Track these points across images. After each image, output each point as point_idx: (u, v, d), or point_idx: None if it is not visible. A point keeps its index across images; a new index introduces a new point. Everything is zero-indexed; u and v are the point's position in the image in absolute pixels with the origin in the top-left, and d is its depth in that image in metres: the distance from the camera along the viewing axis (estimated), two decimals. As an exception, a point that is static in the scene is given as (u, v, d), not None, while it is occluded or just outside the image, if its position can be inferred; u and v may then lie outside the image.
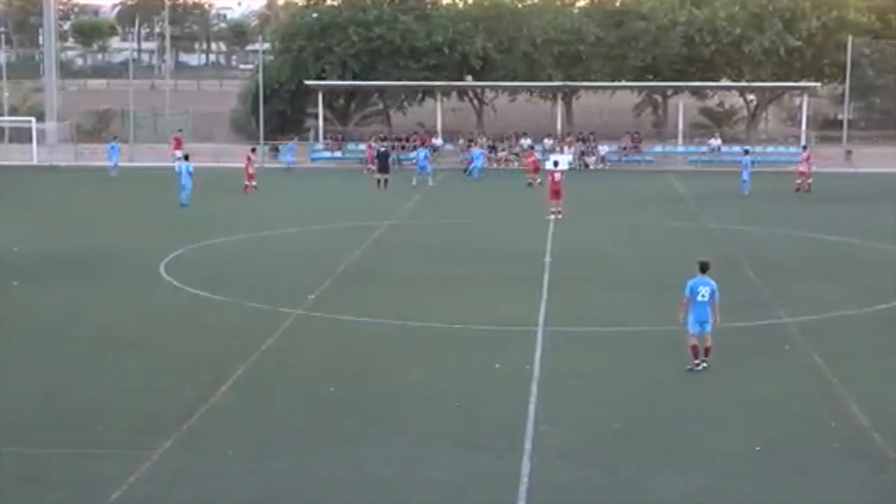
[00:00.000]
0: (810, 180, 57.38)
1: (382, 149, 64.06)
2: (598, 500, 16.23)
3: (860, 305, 29.06)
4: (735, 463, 17.49)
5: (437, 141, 76.18)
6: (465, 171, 65.65)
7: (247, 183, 54.96)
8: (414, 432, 18.95)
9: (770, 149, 76.42)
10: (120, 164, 65.16)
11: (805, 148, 61.89)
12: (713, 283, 22.76)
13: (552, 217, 45.84)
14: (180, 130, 70.98)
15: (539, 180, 57.70)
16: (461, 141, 77.37)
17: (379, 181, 57.73)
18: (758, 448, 18.07)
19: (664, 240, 41.51)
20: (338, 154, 75.93)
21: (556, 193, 47.06)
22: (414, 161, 63.48)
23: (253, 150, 59.42)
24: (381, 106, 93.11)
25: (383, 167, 58.80)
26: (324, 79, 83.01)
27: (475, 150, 68.94)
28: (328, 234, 42.40)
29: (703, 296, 22.54)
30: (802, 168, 58.37)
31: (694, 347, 22.67)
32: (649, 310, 28.91)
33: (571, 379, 22.20)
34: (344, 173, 67.89)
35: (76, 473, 16.97)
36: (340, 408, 20.29)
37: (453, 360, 23.76)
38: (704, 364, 22.50)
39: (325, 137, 78.19)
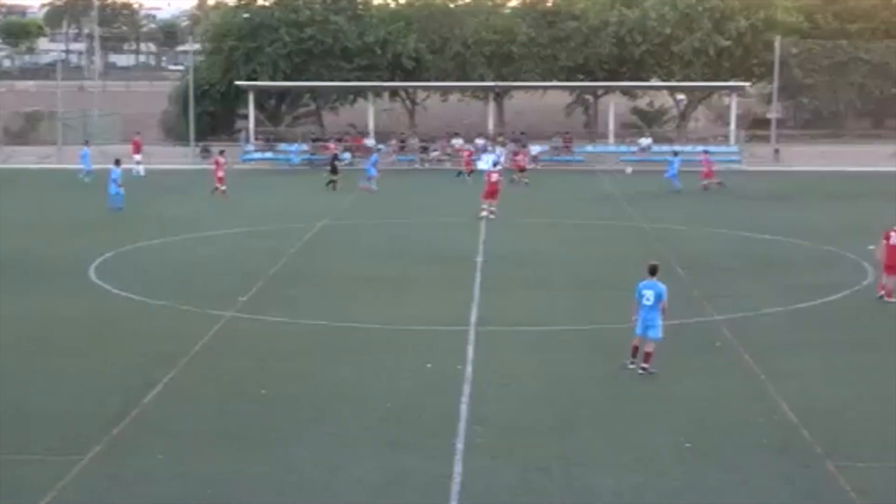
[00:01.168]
0: (718, 180, 57.61)
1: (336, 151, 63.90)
2: (531, 499, 16.28)
3: (789, 302, 29.37)
4: (665, 459, 17.62)
5: (370, 141, 76.06)
6: (458, 173, 64.71)
7: (217, 186, 54.22)
8: (346, 433, 18.91)
9: (700, 148, 76.96)
10: (47, 165, 64.31)
11: (706, 152, 62.18)
12: (661, 286, 22.74)
13: (484, 216, 45.97)
14: (138, 133, 69.84)
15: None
16: (393, 141, 77.29)
17: (330, 182, 57.43)
18: (688, 444, 18.22)
19: (595, 239, 41.72)
20: (269, 155, 75.53)
21: (492, 193, 47.18)
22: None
23: (222, 153, 58.94)
24: (312, 106, 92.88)
25: (333, 169, 58.59)
26: (255, 79, 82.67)
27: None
28: (260, 235, 42.19)
29: (647, 299, 22.56)
30: (706, 170, 58.63)
31: (634, 348, 22.74)
32: (581, 309, 29.08)
33: (503, 379, 22.25)
34: (277, 174, 67.60)
35: (4, 479, 16.76)
36: (272, 409, 20.22)
37: (385, 360, 23.73)
38: (641, 370, 22.39)
39: (256, 138, 77.79)
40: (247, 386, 21.65)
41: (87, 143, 66.46)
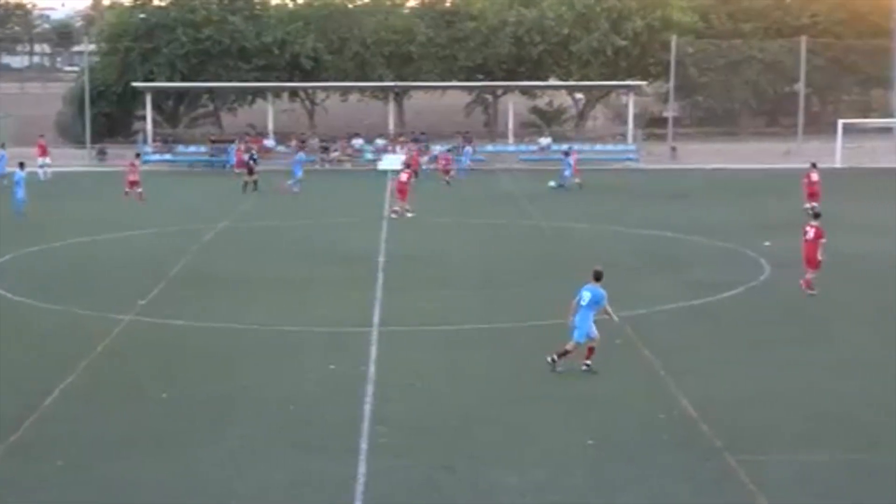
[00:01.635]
0: (577, 179, 57.83)
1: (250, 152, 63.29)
2: (435, 499, 16.30)
3: (687, 299, 29.73)
4: (568, 456, 17.75)
5: (269, 142, 75.64)
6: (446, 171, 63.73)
7: (127, 190, 53.28)
8: (249, 435, 18.79)
9: (598, 146, 77.73)
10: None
11: (568, 152, 62.12)
12: (598, 290, 22.74)
13: (394, 216, 46.11)
14: (42, 136, 68.37)
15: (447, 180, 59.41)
16: (293, 142, 76.91)
17: (246, 184, 56.97)
18: (590, 441, 18.37)
19: (496, 238, 41.89)
20: (168, 157, 74.75)
21: (402, 193, 47.21)
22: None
23: (137, 156, 57.94)
24: (211, 107, 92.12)
25: (250, 170, 58.05)
26: (152, 80, 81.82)
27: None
28: (161, 237, 41.77)
29: (583, 300, 22.61)
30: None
31: (566, 351, 22.68)
32: (483, 308, 29.17)
33: (407, 378, 22.26)
34: (176, 175, 66.94)
35: None
36: (174, 413, 20.03)
37: (288, 362, 23.63)
38: (558, 367, 22.47)
39: (154, 140, 76.97)
40: (147, 390, 21.42)
41: (3, 145, 64.66)
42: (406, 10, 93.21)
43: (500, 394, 21.35)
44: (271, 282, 32.67)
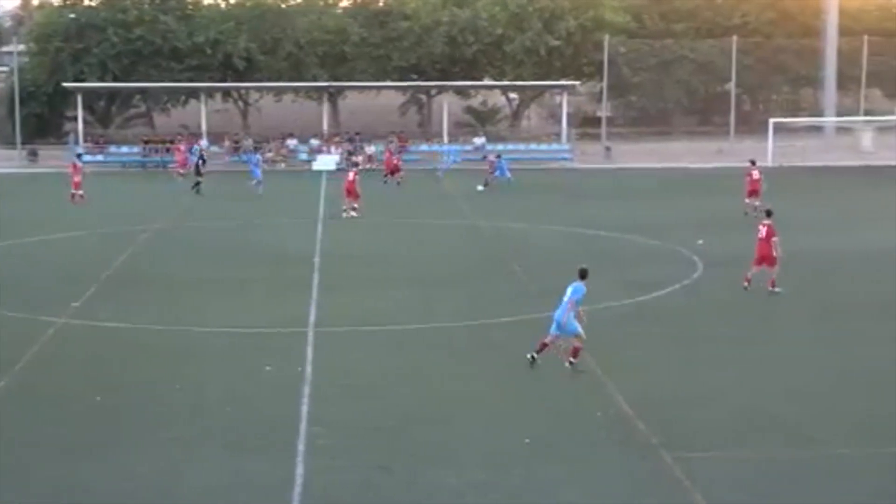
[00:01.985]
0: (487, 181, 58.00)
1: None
2: (373, 499, 16.28)
3: (623, 297, 29.87)
4: (506, 456, 17.78)
5: (203, 143, 75.18)
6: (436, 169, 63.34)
7: (73, 192, 52.64)
8: (185, 438, 18.66)
9: (533, 146, 78.00)
10: None
11: (499, 155, 62.02)
12: (579, 286, 22.73)
13: (346, 215, 46.40)
14: None
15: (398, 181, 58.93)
16: (227, 143, 76.53)
17: (198, 184, 56.57)
18: (528, 440, 18.41)
19: (433, 238, 41.93)
20: (99, 157, 74.03)
21: (351, 192, 47.23)
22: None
23: (79, 157, 57.21)
24: (143, 108, 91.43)
25: (198, 170, 57.68)
26: (83, 81, 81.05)
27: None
28: (94, 238, 41.38)
29: (565, 295, 22.68)
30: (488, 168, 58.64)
31: (544, 344, 22.85)
32: (420, 308, 29.16)
33: (344, 379, 22.22)
34: (109, 176, 66.30)
35: None
36: (109, 416, 19.84)
37: (224, 364, 23.49)
38: (568, 364, 22.63)
39: (85, 140, 76.22)
40: (81, 393, 21.20)
41: None
42: (339, 10, 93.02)
43: (437, 393, 21.36)
44: (206, 283, 32.47)
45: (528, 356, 22.80)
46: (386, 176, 60.59)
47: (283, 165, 73.04)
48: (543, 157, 74.05)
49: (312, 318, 27.61)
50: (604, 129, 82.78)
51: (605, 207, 50.17)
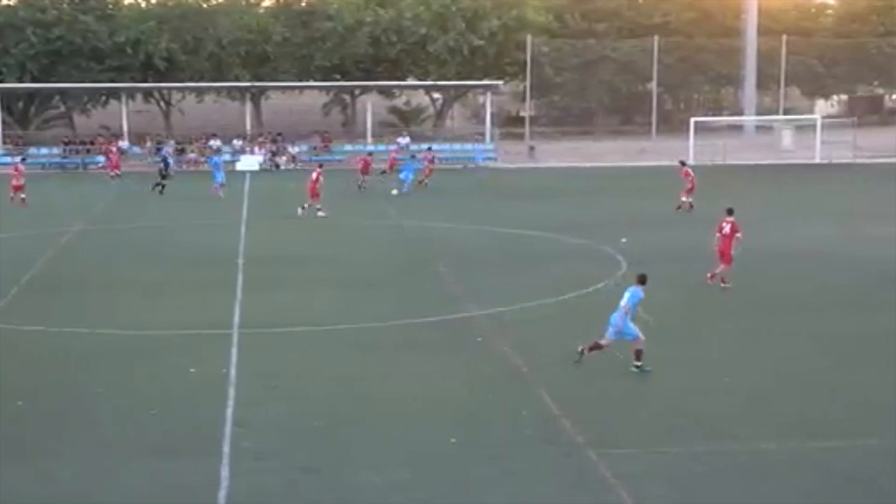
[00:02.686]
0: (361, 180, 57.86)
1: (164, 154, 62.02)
2: (298, 501, 16.21)
3: (547, 296, 29.99)
4: (433, 456, 17.77)
5: (123, 144, 74.48)
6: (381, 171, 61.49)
7: (12, 195, 51.72)
8: (109, 442, 18.46)
9: (457, 146, 78.14)
10: None
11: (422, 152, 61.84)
12: (636, 291, 22.79)
13: (302, 213, 46.61)
14: None
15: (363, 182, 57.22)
16: (149, 144, 75.89)
17: (161, 186, 56.20)
18: (453, 440, 18.42)
19: (357, 238, 41.82)
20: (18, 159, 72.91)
21: (314, 193, 47.23)
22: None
23: (23, 161, 56.35)
24: (63, 108, 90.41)
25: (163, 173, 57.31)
26: (1, 81, 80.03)
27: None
28: (13, 241, 40.79)
29: (623, 300, 22.77)
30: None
31: (597, 345, 22.83)
32: (345, 308, 29.07)
33: (269, 380, 22.09)
34: (29, 178, 65.28)
35: None
36: (30, 422, 19.57)
37: (147, 366, 23.26)
38: (581, 354, 22.79)
39: (4, 142, 75.15)
40: (2, 399, 20.87)
41: None
42: (261, 10, 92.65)
43: (363, 394, 21.29)
44: (129, 285, 32.15)
45: (578, 350, 22.91)
46: (383, 172, 60.19)
47: (206, 166, 72.45)
48: (468, 157, 74.20)
49: (237, 320, 27.43)
50: (527, 129, 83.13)
51: (529, 206, 50.35)
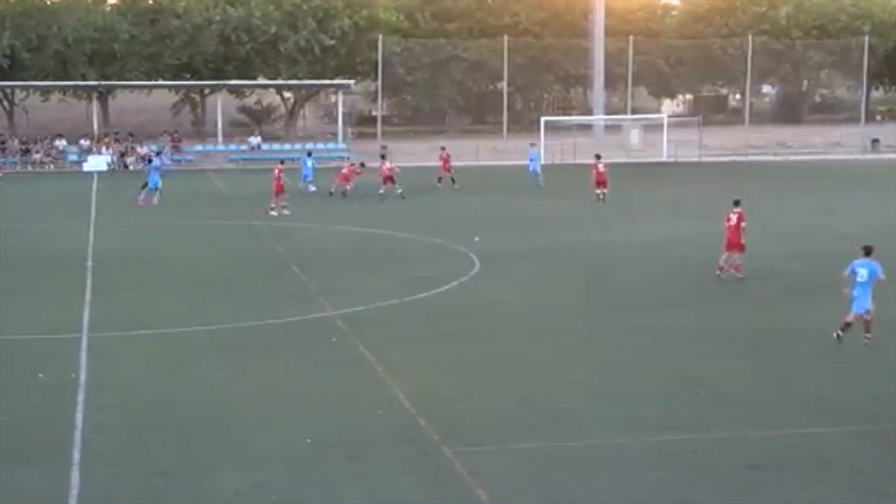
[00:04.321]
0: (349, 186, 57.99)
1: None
2: (153, 506, 16.00)
3: (402, 295, 30.05)
4: (288, 456, 17.66)
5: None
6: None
7: None
8: (-47, 451, 17.97)
9: (309, 146, 77.77)
10: None
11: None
12: (873, 264, 23.65)
13: (276, 213, 46.81)
14: None
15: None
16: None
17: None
18: (309, 440, 18.34)
19: (210, 239, 41.42)
20: None
21: (279, 190, 47.66)
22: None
23: None
24: None
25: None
26: None
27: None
28: None
29: (861, 276, 23.52)
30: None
31: (846, 323, 23.65)
32: (198, 309, 28.75)
33: (121, 384, 21.73)
34: None
35: None
36: None
37: (-7, 372, 22.71)
38: (866, 341, 23.72)
39: None
40: None
41: None
42: (108, 8, 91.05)
43: (217, 396, 21.08)
44: (-28, 289, 31.33)
45: (834, 335, 23.70)
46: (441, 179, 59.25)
47: (52, 167, 71.07)
48: (320, 157, 73.85)
49: (86, 323, 26.93)
50: (379, 128, 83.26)
51: (382, 206, 50.36)
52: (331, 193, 54.82)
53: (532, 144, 63.96)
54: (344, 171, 56.05)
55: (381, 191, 53.61)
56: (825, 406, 20.08)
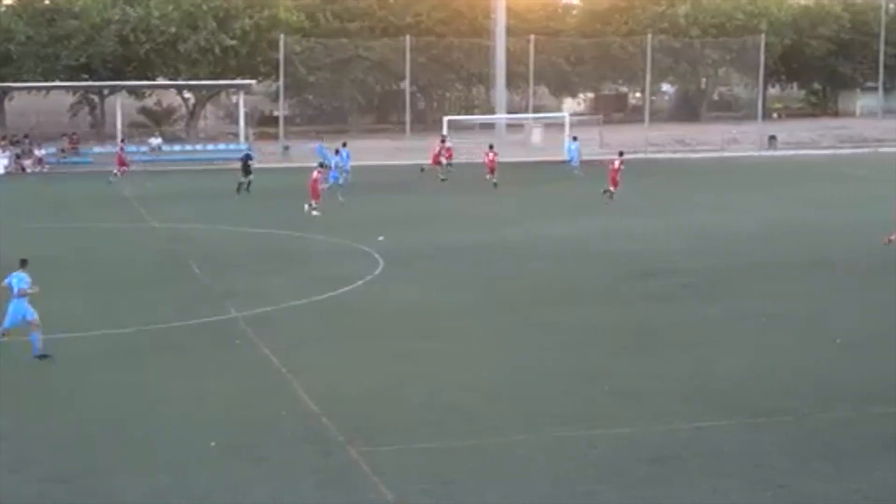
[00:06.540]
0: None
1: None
2: (54, 512, 15.83)
3: (305, 296, 29.97)
4: (192, 460, 17.58)
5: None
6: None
7: None
8: None
9: (210, 146, 77.25)
10: None
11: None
12: None
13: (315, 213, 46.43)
14: None
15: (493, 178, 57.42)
16: None
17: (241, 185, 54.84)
18: (213, 443, 18.25)
19: (109, 242, 40.92)
20: None
21: (315, 192, 47.31)
22: None
23: None
24: None
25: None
26: None
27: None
28: None
29: None
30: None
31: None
32: (100, 313, 28.41)
33: (21, 390, 21.45)
34: None
35: None
36: None
37: None
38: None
39: None
40: None
41: None
42: (3, 9, 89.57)
43: (120, 400, 20.88)
44: None
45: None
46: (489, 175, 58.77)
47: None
48: (222, 157, 73.40)
49: (-16, 329, 26.45)
50: (281, 129, 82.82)
51: (283, 206, 50.10)
52: (422, 170, 62.18)
53: (574, 138, 67.97)
54: (435, 151, 61.95)
55: (488, 177, 57.67)
56: (723, 400, 20.41)
